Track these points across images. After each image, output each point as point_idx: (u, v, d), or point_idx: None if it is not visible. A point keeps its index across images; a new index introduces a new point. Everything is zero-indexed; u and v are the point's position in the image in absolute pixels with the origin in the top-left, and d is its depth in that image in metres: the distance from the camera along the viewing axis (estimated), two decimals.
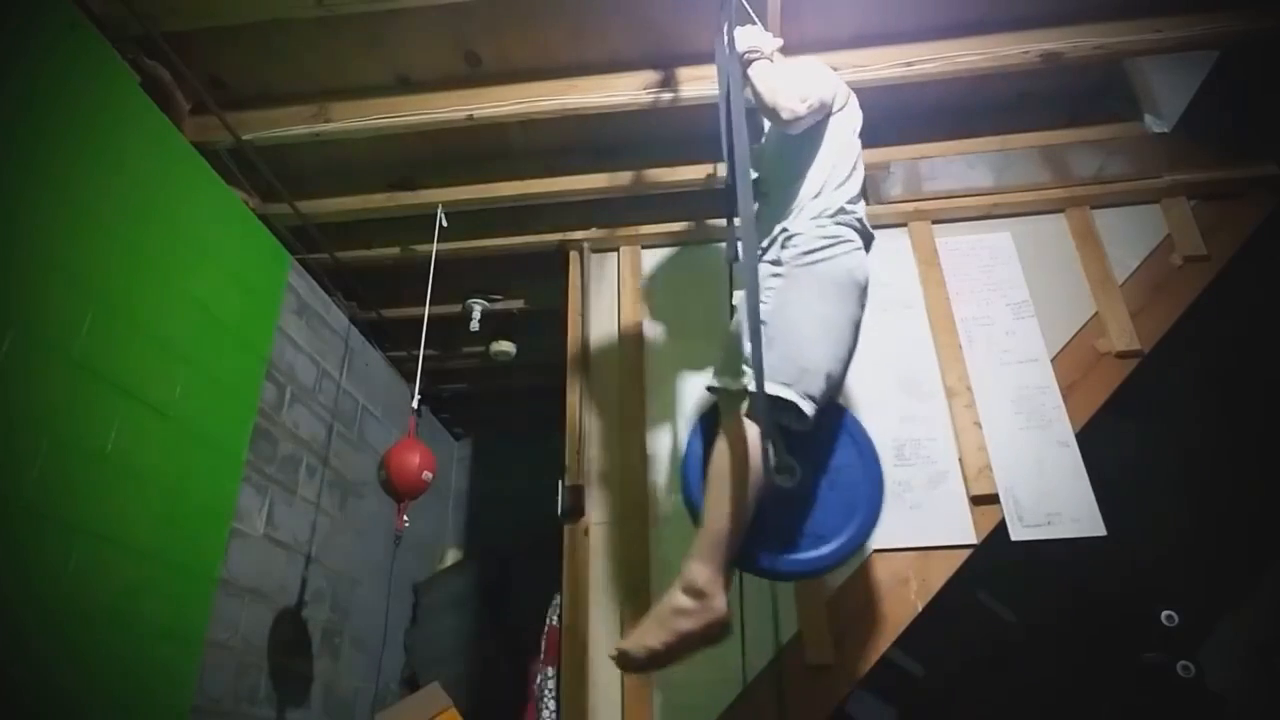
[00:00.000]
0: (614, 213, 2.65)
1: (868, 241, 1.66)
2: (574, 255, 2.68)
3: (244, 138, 2.18)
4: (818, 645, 2.01)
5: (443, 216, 2.46)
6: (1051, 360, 2.32)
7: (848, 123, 1.72)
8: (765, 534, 1.45)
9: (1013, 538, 2.09)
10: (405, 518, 2.01)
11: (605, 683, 2.07)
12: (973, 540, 2.11)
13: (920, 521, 2.14)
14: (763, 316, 1.45)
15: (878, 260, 2.47)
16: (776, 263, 1.57)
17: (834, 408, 1.62)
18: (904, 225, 2.57)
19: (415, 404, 2.15)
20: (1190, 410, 2.91)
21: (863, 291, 1.57)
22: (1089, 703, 2.74)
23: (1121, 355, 2.29)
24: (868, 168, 2.41)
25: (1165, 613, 2.62)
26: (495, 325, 3.24)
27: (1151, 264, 2.43)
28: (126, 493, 1.74)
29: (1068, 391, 2.27)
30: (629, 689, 2.04)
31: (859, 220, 1.64)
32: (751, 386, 1.37)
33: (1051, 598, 2.77)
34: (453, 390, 3.96)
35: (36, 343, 1.53)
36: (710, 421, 1.59)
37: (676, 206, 2.60)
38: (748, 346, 1.43)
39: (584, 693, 2.06)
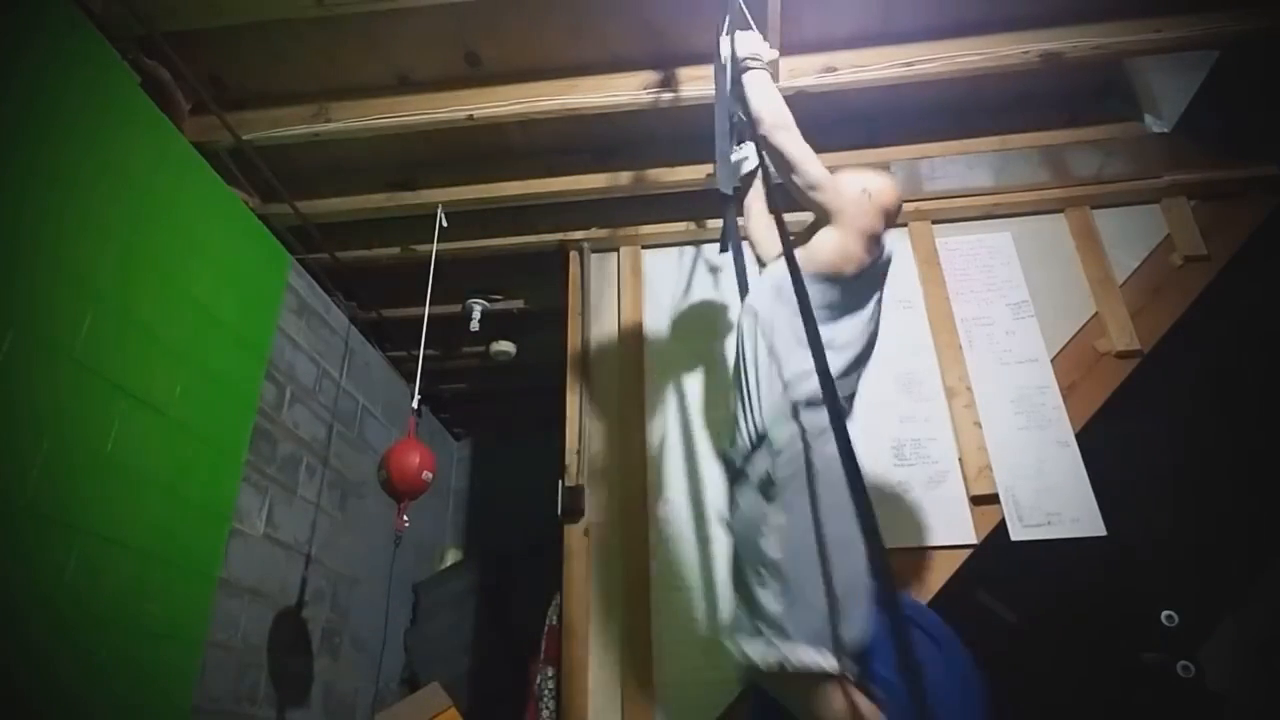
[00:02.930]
0: (614, 213, 2.65)
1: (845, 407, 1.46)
2: (574, 255, 2.68)
3: (244, 138, 2.18)
4: None
5: (443, 216, 2.46)
6: (1051, 360, 2.32)
7: (866, 290, 1.50)
8: None
9: (1013, 538, 2.09)
10: (405, 518, 2.01)
11: (605, 683, 2.07)
12: (973, 540, 2.11)
13: (920, 521, 2.14)
14: (773, 563, 1.28)
15: None
16: (767, 483, 1.35)
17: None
18: (904, 225, 2.57)
19: (415, 404, 2.15)
20: (1190, 410, 2.91)
21: (859, 472, 1.32)
22: (1089, 703, 2.74)
23: (1121, 355, 2.29)
24: (868, 168, 2.43)
25: (1165, 613, 2.62)
26: (495, 325, 3.24)
27: (1151, 264, 2.43)
28: (126, 493, 1.74)
29: (1068, 391, 2.27)
30: (629, 689, 2.04)
31: (849, 398, 1.46)
32: (790, 664, 1.21)
33: (1051, 598, 2.77)
34: (453, 390, 3.96)
35: (36, 343, 1.53)
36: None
37: (676, 206, 2.60)
38: (765, 598, 1.26)
39: (584, 693, 2.06)
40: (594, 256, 2.68)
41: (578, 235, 2.67)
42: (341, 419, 2.83)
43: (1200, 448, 2.90)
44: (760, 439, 1.40)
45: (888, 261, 1.59)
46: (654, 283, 2.62)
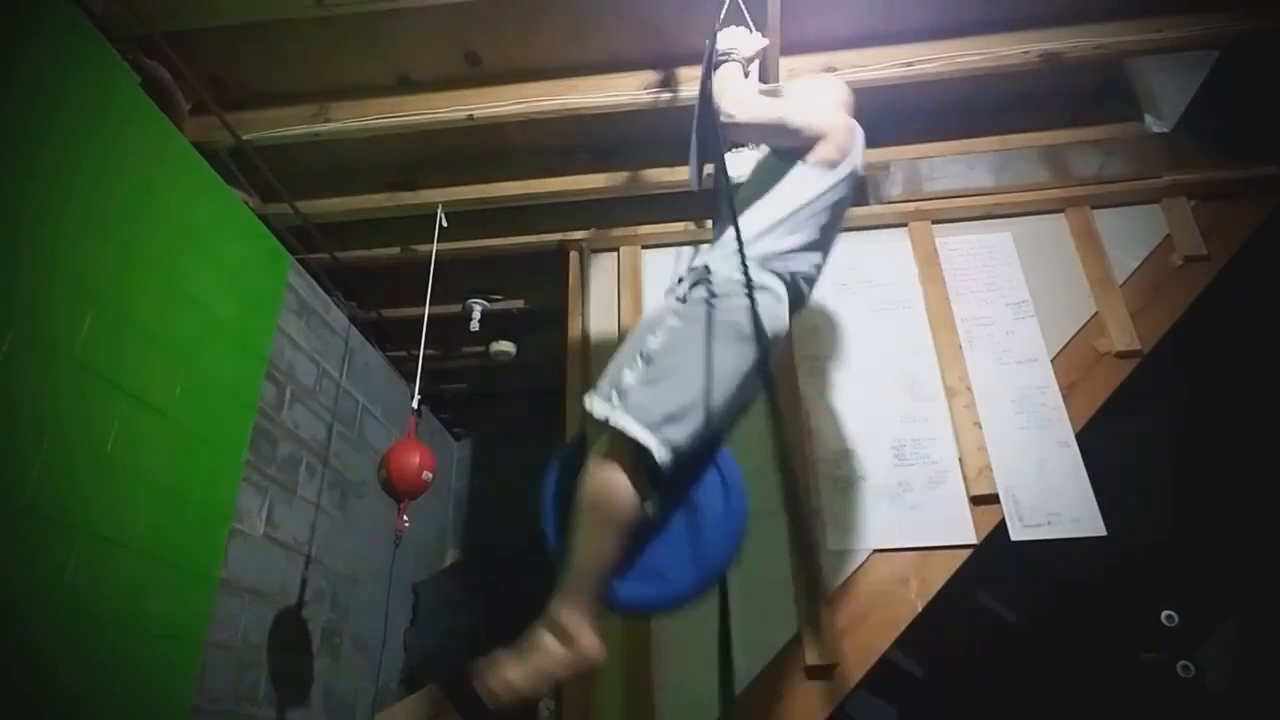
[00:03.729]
0: (614, 213, 2.65)
1: (795, 301, 1.56)
2: (574, 255, 2.68)
3: (244, 138, 2.18)
4: (818, 645, 2.01)
5: (443, 216, 2.46)
6: (1051, 360, 2.32)
7: (832, 181, 1.58)
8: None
9: (1013, 538, 2.09)
10: (405, 518, 2.01)
11: (605, 682, 2.07)
12: (973, 540, 2.11)
13: (920, 521, 2.14)
14: (650, 352, 1.41)
15: (878, 260, 2.51)
16: (682, 299, 1.48)
17: (714, 451, 1.50)
18: (904, 225, 2.57)
19: (415, 404, 2.15)
20: (1190, 410, 2.91)
21: (763, 346, 1.42)
22: (1089, 703, 2.74)
23: (1121, 355, 2.29)
24: (868, 168, 2.42)
25: (1165, 613, 2.62)
26: (495, 325, 3.24)
27: (1151, 264, 2.43)
28: (126, 493, 1.74)
29: (1068, 391, 2.27)
30: (630, 689, 2.04)
31: (795, 275, 1.54)
32: (613, 420, 1.33)
33: (1051, 598, 2.77)
34: (453, 390, 3.96)
35: (36, 343, 1.53)
36: (577, 449, 1.50)
37: (676, 206, 2.60)
38: (627, 374, 1.39)
39: (584, 693, 2.05)
40: (594, 256, 2.68)
41: (578, 235, 2.67)
42: (341, 419, 2.83)
43: (1200, 448, 2.90)
44: (702, 268, 1.52)
45: (857, 173, 1.66)
46: (654, 283, 2.62)
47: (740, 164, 1.88)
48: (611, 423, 1.33)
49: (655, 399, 1.35)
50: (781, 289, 1.52)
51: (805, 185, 1.56)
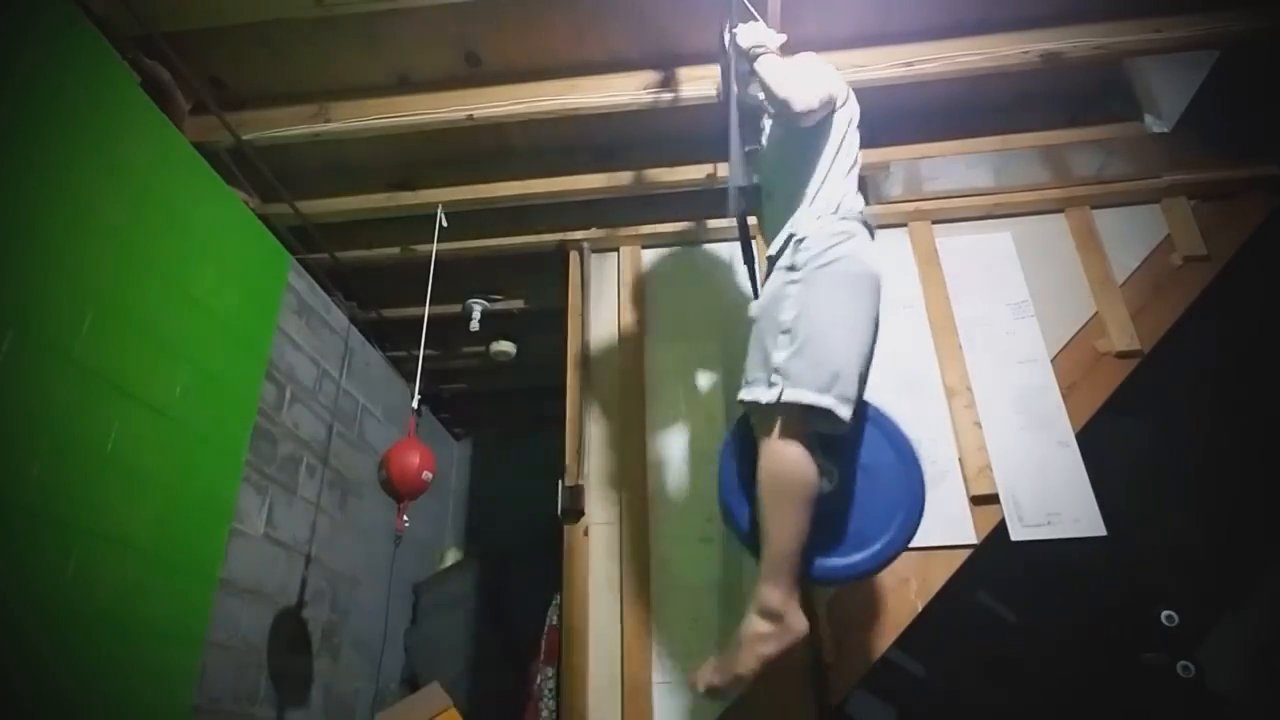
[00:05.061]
0: (614, 213, 2.65)
1: (871, 233, 1.66)
2: (574, 255, 2.68)
3: (244, 138, 2.18)
4: (818, 645, 2.01)
5: (443, 216, 2.46)
6: (1051, 360, 2.32)
7: (846, 116, 1.71)
8: (810, 541, 1.42)
9: (1013, 538, 2.09)
10: (405, 518, 2.01)
11: (605, 683, 2.07)
12: (973, 540, 2.11)
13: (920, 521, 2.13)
14: (787, 324, 1.45)
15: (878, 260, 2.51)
16: (791, 268, 1.54)
17: (865, 406, 1.60)
18: (904, 225, 2.57)
19: (415, 404, 2.15)
20: (1190, 410, 2.91)
21: (878, 283, 1.57)
22: (1088, 703, 2.74)
23: (1121, 355, 2.29)
24: (868, 168, 2.43)
25: (1165, 613, 2.62)
26: (495, 325, 3.24)
27: (1151, 264, 2.43)
28: (126, 493, 1.74)
29: (1068, 391, 2.27)
30: (629, 689, 2.04)
31: (860, 212, 1.64)
32: (786, 396, 1.38)
33: (1051, 598, 2.77)
34: (453, 390, 3.96)
35: (36, 343, 1.53)
36: (744, 437, 1.56)
37: (676, 206, 2.60)
38: (776, 354, 1.43)
39: (584, 693, 2.05)
40: (594, 256, 2.68)
41: (578, 235, 2.67)
42: (341, 419, 2.83)
43: (1200, 448, 2.90)
44: (791, 237, 1.58)
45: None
46: (654, 283, 2.62)
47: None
48: (785, 400, 1.38)
49: (816, 363, 1.40)
50: (863, 229, 1.60)
51: (832, 130, 1.65)
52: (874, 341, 1.55)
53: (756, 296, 1.91)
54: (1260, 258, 2.44)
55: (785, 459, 1.38)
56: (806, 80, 1.60)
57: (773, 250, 1.66)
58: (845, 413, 1.39)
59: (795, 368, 1.40)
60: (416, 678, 3.18)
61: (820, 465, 1.39)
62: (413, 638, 3.36)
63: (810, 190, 1.62)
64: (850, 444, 1.55)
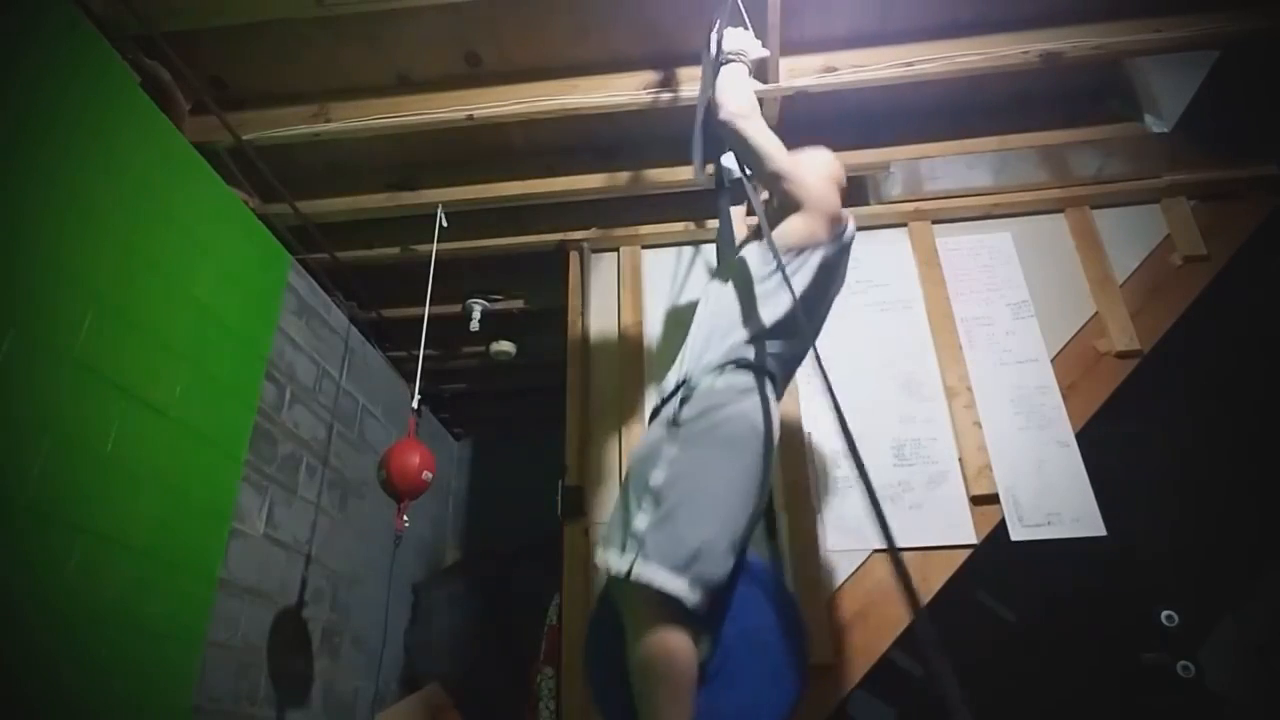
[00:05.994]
0: (614, 213, 2.65)
1: (775, 384, 1.50)
2: (574, 255, 2.68)
3: (244, 138, 2.18)
4: (818, 645, 2.00)
5: (443, 216, 2.46)
6: (1051, 360, 2.32)
7: (819, 257, 1.53)
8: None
9: (1013, 538, 2.09)
10: (405, 518, 2.01)
11: None
12: (973, 540, 2.11)
13: (920, 521, 2.14)
14: (655, 487, 1.32)
15: (878, 260, 2.52)
16: (674, 423, 1.40)
17: (744, 562, 1.44)
18: (904, 225, 2.57)
19: (415, 404, 2.15)
20: (1190, 410, 2.91)
21: (769, 439, 1.41)
22: (1089, 703, 2.75)
23: (1121, 355, 2.29)
24: (868, 168, 2.43)
25: (1165, 613, 2.62)
26: (495, 325, 3.24)
27: (1151, 264, 2.43)
28: (126, 492, 1.74)
29: (1068, 391, 2.27)
30: None
31: (777, 360, 1.49)
32: (636, 572, 1.24)
33: (1051, 598, 2.77)
34: (453, 390, 3.96)
35: (36, 343, 1.53)
36: (611, 605, 1.41)
37: (676, 206, 2.60)
38: (638, 518, 1.30)
39: (584, 693, 2.05)
40: (594, 256, 2.68)
41: (578, 235, 2.67)
42: (341, 419, 2.83)
43: (1200, 448, 2.91)
44: (683, 384, 1.47)
45: (849, 242, 1.63)
46: (654, 283, 2.62)
47: (733, 162, 1.89)
48: (635, 578, 1.25)
49: (677, 538, 1.27)
50: (768, 385, 1.47)
51: (773, 266, 1.48)
52: (760, 501, 1.41)
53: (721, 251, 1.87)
54: (1260, 258, 2.44)
55: (655, 647, 1.24)
56: (749, 103, 1.58)
57: (665, 387, 1.53)
58: (695, 599, 1.24)
59: (653, 539, 1.27)
60: (416, 678, 3.18)
61: (694, 633, 1.25)
62: (413, 638, 3.35)
63: (722, 333, 1.48)
64: (723, 602, 1.37)
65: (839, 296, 1.71)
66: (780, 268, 1.38)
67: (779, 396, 1.52)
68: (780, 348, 1.51)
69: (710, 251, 2.60)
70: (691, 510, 1.30)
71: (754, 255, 1.57)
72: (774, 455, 1.44)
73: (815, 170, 1.63)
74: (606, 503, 2.29)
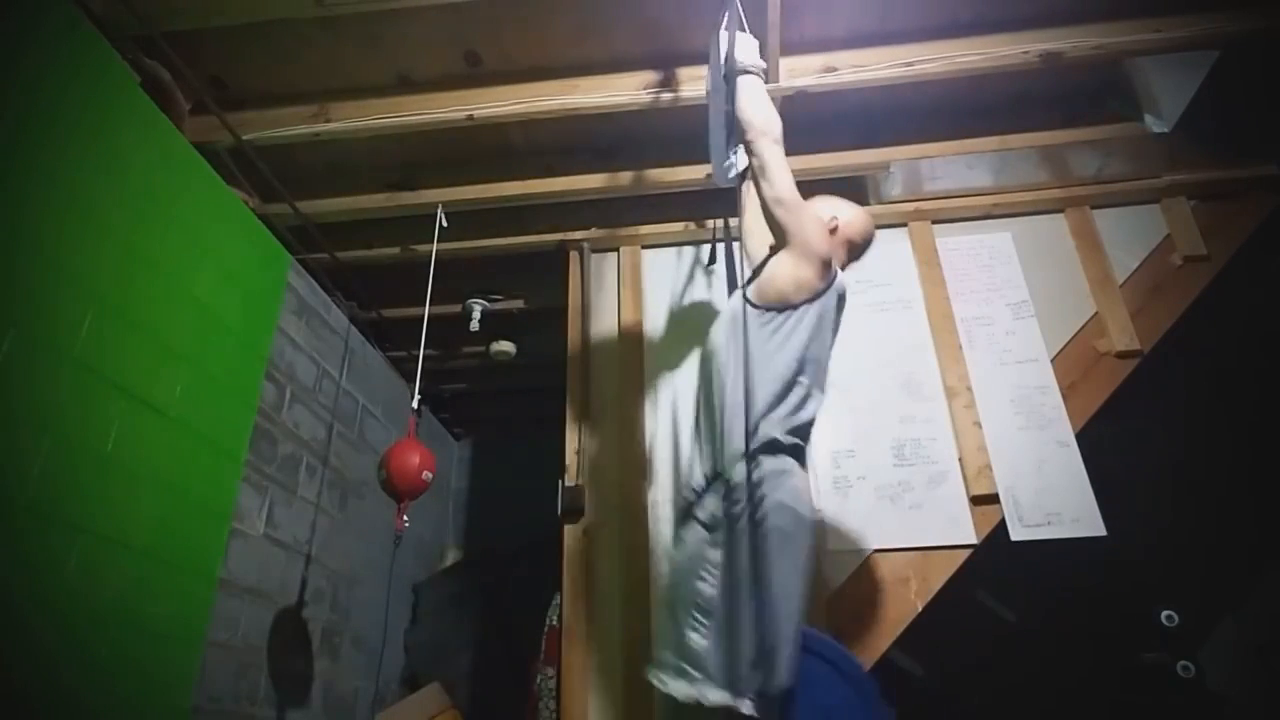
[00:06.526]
0: (614, 213, 2.65)
1: (803, 461, 1.47)
2: (574, 255, 2.68)
3: (244, 138, 2.18)
4: None
5: (443, 216, 2.46)
6: (1051, 360, 2.32)
7: (817, 309, 1.51)
8: None
9: (1013, 538, 2.09)
10: (405, 518, 2.01)
11: (605, 683, 2.07)
12: (973, 540, 2.11)
13: (920, 521, 2.14)
14: (705, 601, 1.29)
15: (878, 260, 2.49)
16: (711, 525, 1.36)
17: (809, 642, 1.41)
18: (904, 225, 2.57)
19: (415, 404, 2.15)
20: (1190, 410, 2.91)
21: (812, 526, 1.38)
22: (1089, 703, 2.74)
23: (1121, 355, 2.29)
24: (868, 168, 2.43)
25: (1165, 613, 2.62)
26: (495, 325, 3.24)
27: (1151, 264, 2.43)
28: (126, 492, 1.74)
29: (1068, 391, 2.27)
30: (629, 689, 2.04)
31: (804, 427, 1.45)
32: (706, 697, 1.22)
33: (1051, 598, 2.77)
34: (453, 390, 3.96)
35: (36, 343, 1.53)
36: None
37: (676, 206, 2.60)
38: (692, 637, 1.27)
39: (584, 693, 2.06)
40: (594, 256, 2.68)
41: (578, 235, 2.67)
42: (341, 419, 2.83)
43: (1200, 448, 2.90)
44: (715, 478, 1.41)
45: (839, 295, 1.59)
46: (654, 282, 2.62)
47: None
48: (703, 701, 1.23)
49: (737, 654, 1.24)
50: (799, 464, 1.43)
51: (777, 338, 1.46)
52: (809, 594, 1.38)
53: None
54: (1260, 258, 2.44)
55: None
56: (774, 122, 1.54)
57: (693, 481, 1.47)
58: (769, 715, 1.23)
59: (715, 660, 1.25)
60: (416, 678, 3.18)
61: None
62: (413, 638, 3.36)
63: (740, 414, 1.41)
64: (803, 690, 1.35)
65: None
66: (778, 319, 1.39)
67: (807, 445, 1.49)
68: (800, 414, 1.46)
69: (707, 252, 2.61)
70: (748, 621, 1.26)
71: (753, 322, 1.50)
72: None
73: (823, 213, 1.62)
74: (605, 502, 2.29)
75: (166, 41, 1.91)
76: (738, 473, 1.36)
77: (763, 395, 1.43)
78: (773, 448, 1.40)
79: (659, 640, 1.37)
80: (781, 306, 1.50)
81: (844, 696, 1.41)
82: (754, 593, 1.27)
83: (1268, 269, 2.52)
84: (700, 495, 1.43)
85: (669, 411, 2.39)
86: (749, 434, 1.37)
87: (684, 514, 1.48)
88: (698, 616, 1.30)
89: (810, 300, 1.50)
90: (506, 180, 2.48)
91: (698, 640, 1.28)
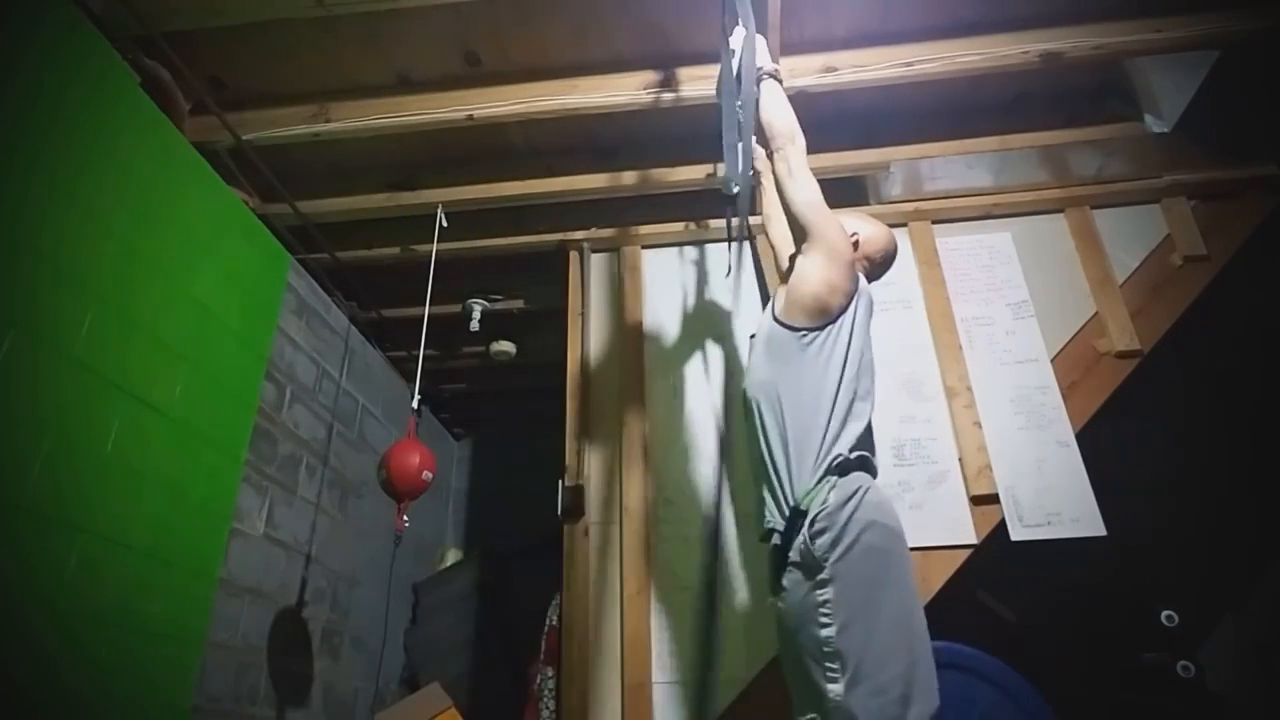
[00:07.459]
0: (614, 213, 2.65)
1: (873, 472, 1.45)
2: (574, 255, 2.68)
3: (244, 138, 2.18)
4: None
5: (443, 216, 2.46)
6: (1051, 360, 2.32)
7: (849, 319, 1.51)
8: None
9: (1013, 538, 2.09)
10: (405, 518, 2.01)
11: (605, 683, 2.07)
12: (973, 540, 2.11)
13: (920, 521, 2.13)
14: (831, 645, 1.25)
15: None
16: (807, 568, 1.31)
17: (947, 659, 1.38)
18: (904, 225, 2.57)
19: (415, 404, 2.15)
20: (1190, 410, 2.91)
21: (904, 536, 1.36)
22: (1088, 703, 2.74)
23: (1121, 355, 2.29)
24: (868, 168, 2.43)
25: (1165, 613, 2.62)
26: (495, 325, 3.24)
27: (1151, 264, 2.43)
28: (127, 492, 1.74)
29: (1068, 391, 2.27)
30: (629, 689, 2.04)
31: (867, 439, 1.44)
32: None
33: (1051, 598, 2.77)
34: (453, 390, 3.96)
35: (36, 343, 1.53)
36: None
37: (676, 206, 2.60)
38: (830, 688, 1.23)
39: (584, 693, 2.05)
40: (594, 256, 2.68)
41: (578, 235, 2.67)
42: (341, 419, 2.83)
43: (1200, 448, 2.90)
44: (794, 514, 1.37)
45: (869, 298, 1.60)
46: (654, 283, 2.62)
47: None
48: None
49: (881, 688, 1.21)
50: (870, 475, 1.42)
51: (821, 357, 1.46)
52: (920, 607, 1.35)
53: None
54: (1260, 258, 2.44)
55: None
56: (795, 131, 1.56)
57: (771, 523, 1.43)
58: None
59: (859, 703, 1.20)
60: (416, 678, 3.18)
61: None
62: (413, 638, 3.36)
63: (799, 442, 1.39)
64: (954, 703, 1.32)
65: None
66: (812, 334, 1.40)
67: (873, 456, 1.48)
68: (857, 425, 1.45)
69: (710, 254, 2.61)
70: (880, 653, 1.23)
71: (792, 346, 1.49)
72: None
73: (847, 224, 1.62)
74: (606, 503, 2.29)
75: (166, 41, 1.92)
76: (816, 503, 1.34)
77: (820, 417, 1.41)
78: (843, 468, 1.38)
79: (797, 704, 1.32)
80: (816, 324, 1.48)
81: (993, 701, 1.41)
82: (875, 627, 1.25)
83: (1267, 269, 2.52)
84: (785, 537, 1.39)
85: (670, 409, 2.39)
86: (818, 461, 1.36)
87: (777, 562, 1.42)
88: (829, 665, 1.25)
89: (845, 306, 1.50)
90: (506, 180, 2.48)
91: (836, 688, 1.23)
